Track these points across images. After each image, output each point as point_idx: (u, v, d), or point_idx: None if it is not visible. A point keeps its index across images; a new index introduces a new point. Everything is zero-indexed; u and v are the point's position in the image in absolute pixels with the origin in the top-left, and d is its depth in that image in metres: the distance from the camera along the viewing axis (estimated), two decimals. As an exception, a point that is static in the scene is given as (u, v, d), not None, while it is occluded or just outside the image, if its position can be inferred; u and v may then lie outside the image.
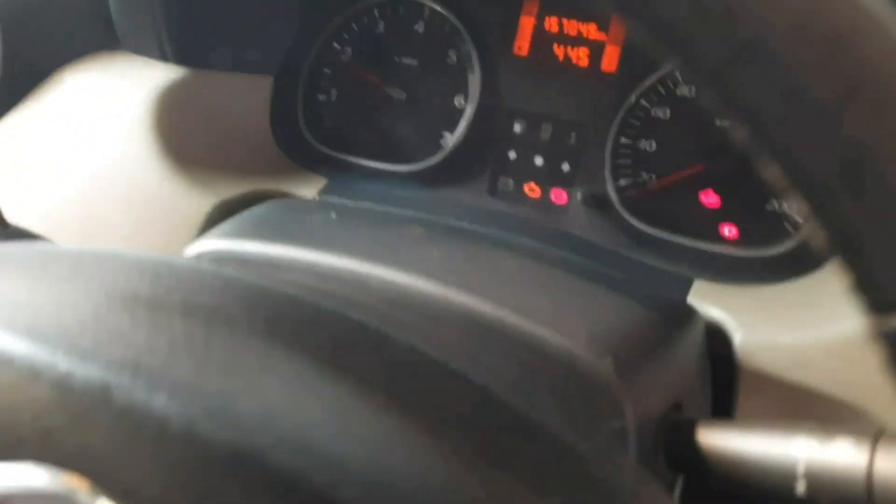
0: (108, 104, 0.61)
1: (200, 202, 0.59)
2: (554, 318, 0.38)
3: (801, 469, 0.33)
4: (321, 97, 0.72)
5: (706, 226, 0.60)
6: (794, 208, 0.59)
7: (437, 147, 0.67)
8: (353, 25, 0.71)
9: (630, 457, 0.35)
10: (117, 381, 0.20)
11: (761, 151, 0.18)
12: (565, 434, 0.26)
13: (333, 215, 0.51)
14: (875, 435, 0.32)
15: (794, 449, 0.34)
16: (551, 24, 0.66)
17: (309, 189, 0.64)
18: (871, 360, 0.48)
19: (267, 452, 0.19)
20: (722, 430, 0.37)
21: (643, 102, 0.62)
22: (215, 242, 0.45)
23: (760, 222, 0.59)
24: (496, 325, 0.37)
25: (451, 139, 0.67)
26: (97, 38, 0.66)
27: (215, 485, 0.19)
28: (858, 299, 0.19)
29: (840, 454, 0.32)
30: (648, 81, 0.62)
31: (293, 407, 0.21)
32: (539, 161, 0.66)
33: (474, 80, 0.67)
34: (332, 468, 0.19)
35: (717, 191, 0.60)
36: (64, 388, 0.20)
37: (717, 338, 0.49)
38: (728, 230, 0.60)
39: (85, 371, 0.20)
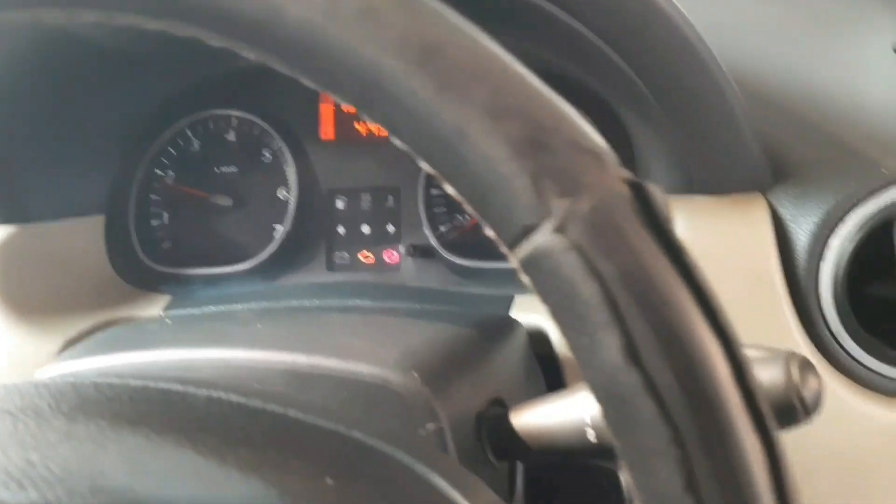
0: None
1: (48, 344, 0.61)
2: (368, 354, 0.42)
3: (588, 420, 0.38)
4: (154, 222, 0.75)
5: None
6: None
7: (272, 240, 0.72)
8: (170, 149, 0.76)
9: (451, 453, 0.39)
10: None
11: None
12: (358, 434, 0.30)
13: (168, 322, 0.54)
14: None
15: (579, 405, 0.39)
16: (349, 106, 0.72)
17: (154, 308, 0.66)
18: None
19: None
20: (528, 409, 0.42)
21: (440, 155, 0.69)
22: (55, 368, 0.48)
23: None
24: (314, 372, 0.41)
25: (281, 230, 0.72)
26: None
27: None
28: (498, 243, 0.25)
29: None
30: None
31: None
32: (366, 229, 0.71)
33: (291, 172, 0.72)
34: None
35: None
36: None
37: (540, 340, 0.54)
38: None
39: None
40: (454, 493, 0.29)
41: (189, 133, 0.75)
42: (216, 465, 0.25)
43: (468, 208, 0.25)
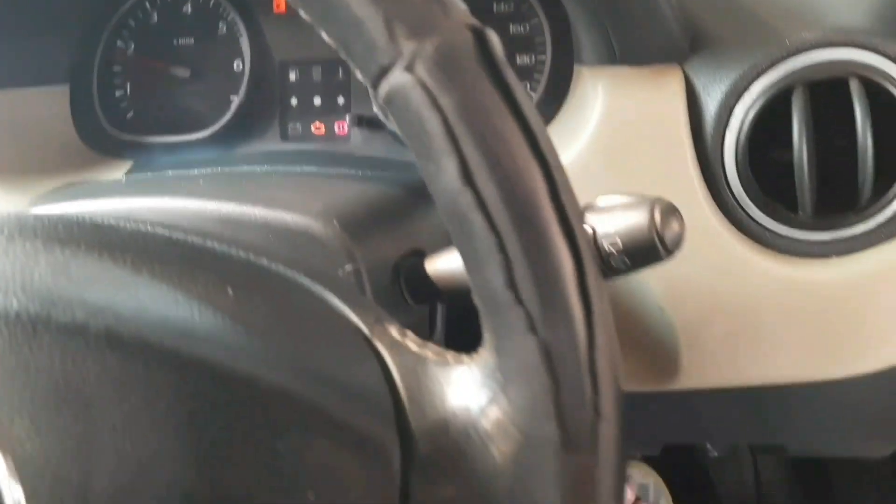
0: None
1: (17, 203, 0.65)
2: (294, 205, 0.47)
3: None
4: (118, 93, 0.78)
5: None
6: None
7: (228, 110, 0.75)
8: (130, 21, 0.78)
9: (368, 293, 0.44)
10: None
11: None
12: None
13: (123, 180, 0.58)
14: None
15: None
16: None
17: (117, 173, 0.70)
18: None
19: None
20: (441, 256, 0.47)
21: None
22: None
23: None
24: (242, 219, 0.46)
25: (236, 100, 0.75)
26: None
27: None
28: (366, 85, 0.28)
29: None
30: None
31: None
32: (318, 101, 0.74)
33: (245, 44, 0.75)
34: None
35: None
36: None
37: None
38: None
39: None
40: (345, 308, 0.34)
41: (148, 5, 0.77)
42: (130, 272, 0.30)
43: (341, 54, 0.29)
